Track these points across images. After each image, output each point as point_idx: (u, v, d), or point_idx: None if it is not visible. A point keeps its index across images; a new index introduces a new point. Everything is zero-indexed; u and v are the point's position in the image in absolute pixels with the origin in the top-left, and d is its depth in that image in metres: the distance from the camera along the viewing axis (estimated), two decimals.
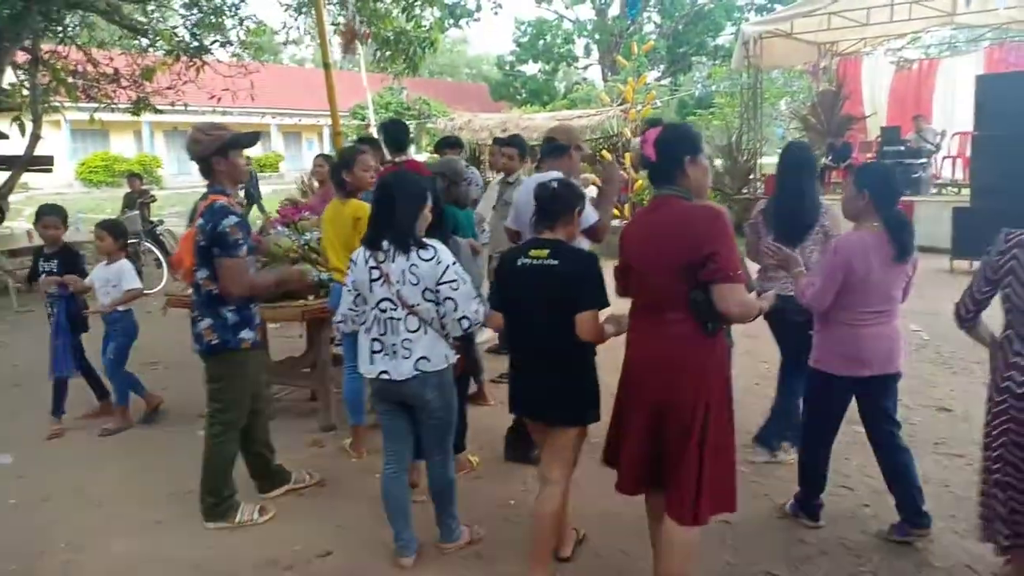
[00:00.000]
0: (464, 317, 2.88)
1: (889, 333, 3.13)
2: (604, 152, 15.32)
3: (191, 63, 10.92)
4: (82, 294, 4.91)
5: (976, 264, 9.35)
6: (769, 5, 30.20)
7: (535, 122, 19.72)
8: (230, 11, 10.94)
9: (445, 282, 2.85)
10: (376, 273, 2.90)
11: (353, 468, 4.15)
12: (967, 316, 2.83)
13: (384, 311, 2.91)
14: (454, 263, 2.91)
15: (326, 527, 3.49)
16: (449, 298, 2.86)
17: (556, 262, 2.73)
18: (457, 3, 30.19)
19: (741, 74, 17.79)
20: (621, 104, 16.64)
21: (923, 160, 12.98)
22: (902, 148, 13.08)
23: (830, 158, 12.34)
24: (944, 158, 14.13)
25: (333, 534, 3.42)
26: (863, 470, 3.90)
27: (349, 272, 3.07)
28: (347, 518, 3.57)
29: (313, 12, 10.29)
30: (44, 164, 10.94)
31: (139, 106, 11.82)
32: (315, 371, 4.87)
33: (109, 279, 4.87)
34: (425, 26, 11.63)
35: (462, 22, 33.49)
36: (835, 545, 3.23)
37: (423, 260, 2.86)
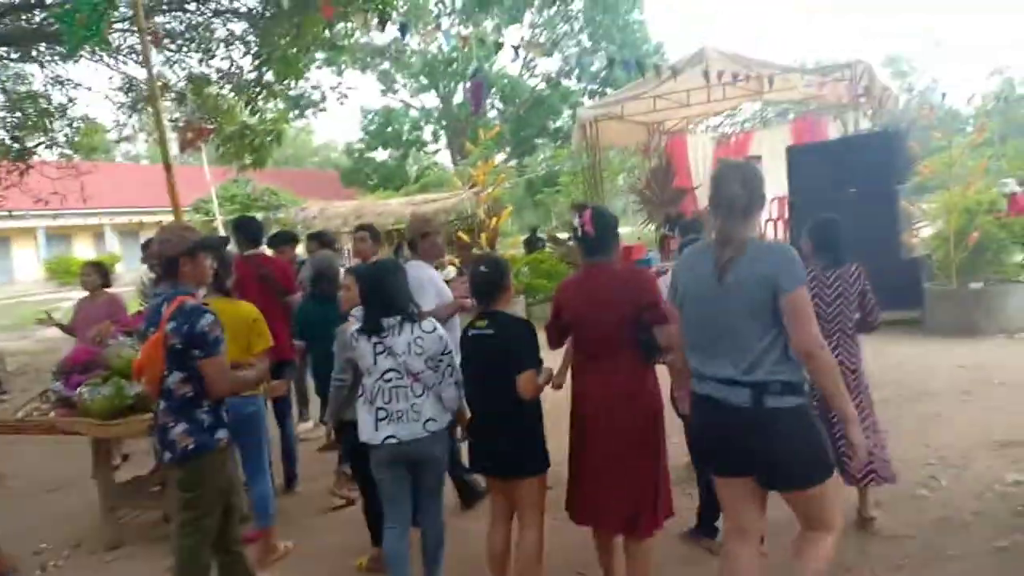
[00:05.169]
0: (458, 381, 3.31)
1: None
2: (460, 233, 15.64)
3: (14, 167, 10.23)
4: None
5: None
6: (601, 90, 32.40)
7: (390, 207, 19.90)
8: (58, 112, 10.41)
9: (447, 352, 3.27)
10: (380, 347, 3.22)
11: None
12: None
13: (388, 380, 3.21)
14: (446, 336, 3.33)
15: None
16: (449, 365, 3.29)
17: (492, 331, 3.15)
18: (302, 95, 30.32)
19: (582, 154, 18.90)
20: (472, 186, 17.14)
21: None
22: None
23: (667, 228, 13.19)
24: (767, 221, 15.50)
25: None
26: None
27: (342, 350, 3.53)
28: None
29: (149, 109, 9.96)
30: None
31: None
32: (166, 489, 4.49)
33: None
34: (269, 119, 11.52)
35: (308, 112, 33.53)
36: None
37: (426, 332, 3.24)
